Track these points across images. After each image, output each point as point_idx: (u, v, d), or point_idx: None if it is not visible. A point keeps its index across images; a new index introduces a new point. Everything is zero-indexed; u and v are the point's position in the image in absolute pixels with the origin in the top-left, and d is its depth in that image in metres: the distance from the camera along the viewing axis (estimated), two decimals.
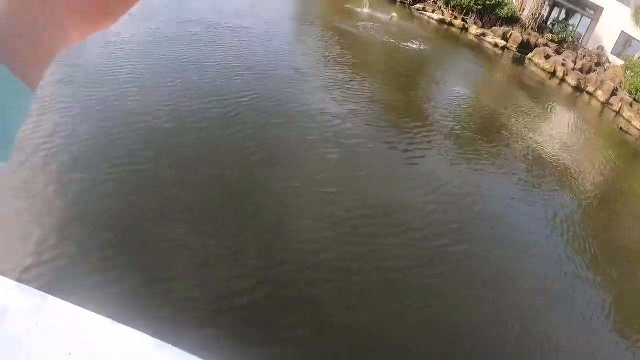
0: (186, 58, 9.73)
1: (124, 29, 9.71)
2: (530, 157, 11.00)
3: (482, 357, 5.13)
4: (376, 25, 21.78)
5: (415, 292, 5.56)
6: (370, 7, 27.41)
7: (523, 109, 15.38)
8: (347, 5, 25.52)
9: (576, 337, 5.93)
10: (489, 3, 27.49)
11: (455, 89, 15.03)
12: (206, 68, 9.48)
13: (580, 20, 31.11)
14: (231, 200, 5.96)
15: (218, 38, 11.79)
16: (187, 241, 5.14)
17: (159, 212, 5.49)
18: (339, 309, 5.01)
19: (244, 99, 8.44)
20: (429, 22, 27.94)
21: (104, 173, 5.74)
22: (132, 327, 1.85)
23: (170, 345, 1.82)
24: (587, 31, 30.30)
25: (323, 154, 7.57)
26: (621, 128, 18.73)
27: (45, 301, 1.89)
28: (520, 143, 11.71)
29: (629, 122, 19.61)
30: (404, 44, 18.95)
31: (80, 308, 1.86)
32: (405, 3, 31.89)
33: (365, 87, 11.71)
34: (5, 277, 1.91)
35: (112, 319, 1.85)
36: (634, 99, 20.82)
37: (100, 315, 1.86)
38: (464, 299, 5.69)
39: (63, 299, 1.87)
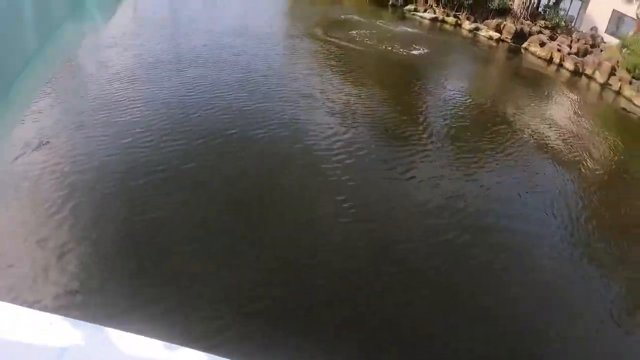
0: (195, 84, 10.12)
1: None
2: (535, 146, 11.24)
3: None
4: (370, 32, 22.01)
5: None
6: (361, 13, 27.78)
7: (524, 98, 15.65)
8: (342, 16, 25.86)
9: None
10: None
11: (455, 88, 15.30)
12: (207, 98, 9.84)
13: (571, 3, 31.31)
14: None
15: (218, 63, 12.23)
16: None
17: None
18: None
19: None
20: (421, 22, 28.22)
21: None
22: (191, 348, 1.92)
23: None
24: (578, 13, 30.47)
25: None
26: (623, 108, 18.85)
27: (103, 334, 1.96)
28: (524, 133, 11.94)
29: (630, 100, 19.62)
30: (401, 49, 19.11)
31: (137, 335, 1.94)
32: (396, 5, 32.26)
33: (367, 99, 12.02)
34: (60, 315, 1.97)
35: (169, 342, 1.92)
36: (633, 77, 20.83)
37: (158, 340, 1.93)
38: None
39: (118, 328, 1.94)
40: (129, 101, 9.01)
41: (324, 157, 8.21)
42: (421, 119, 11.43)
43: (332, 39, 18.74)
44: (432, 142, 9.90)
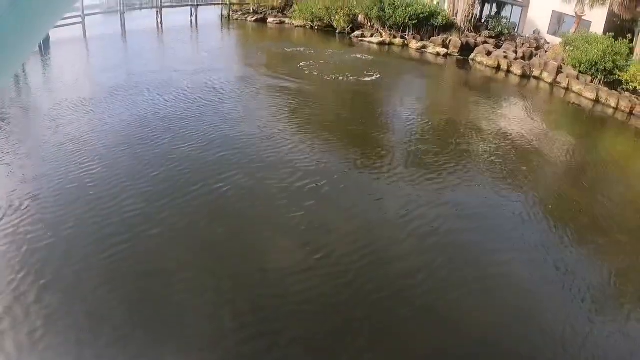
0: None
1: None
2: (494, 155, 11.33)
3: None
4: (320, 63, 22.28)
5: None
6: (309, 44, 28.20)
7: (477, 108, 15.96)
8: (290, 49, 26.17)
9: None
10: (423, 15, 28.48)
11: (411, 109, 15.60)
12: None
13: (512, 10, 32.24)
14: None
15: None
16: None
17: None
18: None
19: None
20: (370, 47, 28.76)
21: None
22: None
23: None
24: (520, 19, 31.35)
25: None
26: (574, 103, 19.33)
27: None
28: (482, 143, 12.06)
29: (579, 94, 20.24)
30: (352, 77, 19.32)
31: None
32: (343, 33, 32.90)
33: (321, 130, 12.07)
34: None
35: None
36: (579, 71, 21.43)
37: None
38: None
39: None
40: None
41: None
42: (382, 146, 11.44)
43: (283, 77, 18.83)
44: (397, 168, 9.92)
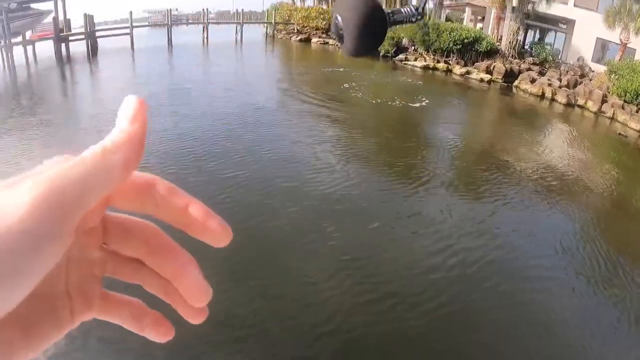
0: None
1: None
2: (538, 184, 11.50)
3: None
4: (362, 84, 22.61)
5: None
6: (354, 66, 28.79)
7: (521, 137, 15.84)
8: (330, 69, 26.84)
9: None
10: (467, 41, 28.89)
11: (452, 135, 15.32)
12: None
13: (555, 36, 32.44)
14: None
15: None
16: None
17: None
18: None
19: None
20: (413, 71, 29.22)
21: None
22: None
23: None
24: (564, 46, 31.54)
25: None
26: (619, 133, 18.99)
27: None
28: (525, 172, 12.17)
29: (624, 124, 20.00)
30: (397, 101, 19.26)
31: None
32: (387, 56, 33.52)
33: (365, 153, 12.24)
34: None
35: None
36: (625, 101, 21.28)
37: None
38: None
39: None
40: None
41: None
42: (431, 172, 11.60)
43: (327, 98, 18.83)
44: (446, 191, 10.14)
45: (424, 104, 19.48)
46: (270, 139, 12.26)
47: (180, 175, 9.13)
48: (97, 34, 40.27)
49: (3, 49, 30.14)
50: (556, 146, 15.88)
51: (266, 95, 18.51)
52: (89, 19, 38.20)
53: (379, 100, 19.13)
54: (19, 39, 33.17)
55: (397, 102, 18.99)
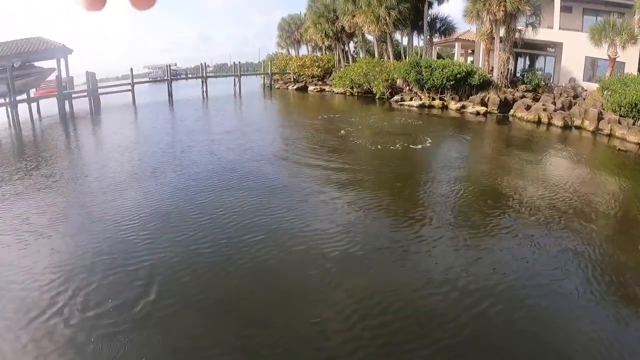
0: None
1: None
2: (542, 210, 11.07)
3: None
4: (361, 129, 22.87)
5: None
6: (352, 111, 29.26)
7: (521, 165, 16.03)
8: (328, 116, 27.05)
9: None
10: (460, 75, 29.58)
11: (453, 172, 15.15)
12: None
13: (545, 61, 33.14)
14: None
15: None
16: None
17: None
18: None
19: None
20: (410, 110, 29.72)
21: None
22: None
23: None
24: (554, 69, 32.20)
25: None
26: (619, 149, 18.99)
27: None
28: (529, 199, 11.87)
29: (623, 139, 20.18)
30: (398, 144, 18.88)
31: None
32: (383, 98, 34.25)
33: (364, 197, 12.13)
34: None
35: None
36: (620, 115, 21.58)
37: None
38: None
39: None
40: None
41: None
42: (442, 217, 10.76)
43: (325, 146, 18.75)
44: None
45: (427, 144, 19.40)
46: (272, 196, 11.97)
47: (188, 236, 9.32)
48: (100, 90, 41.53)
49: (8, 107, 31.20)
50: (560, 171, 15.63)
51: (266, 151, 18.14)
52: (90, 76, 39.45)
53: (379, 147, 18.76)
54: (24, 96, 34.24)
55: (398, 146, 18.80)
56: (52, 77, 36.99)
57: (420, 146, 18.93)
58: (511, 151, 19.08)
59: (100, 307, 6.62)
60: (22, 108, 31.57)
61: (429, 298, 7.14)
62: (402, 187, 13.64)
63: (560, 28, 31.80)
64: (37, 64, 36.89)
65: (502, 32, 29.61)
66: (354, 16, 39.99)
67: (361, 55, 49.31)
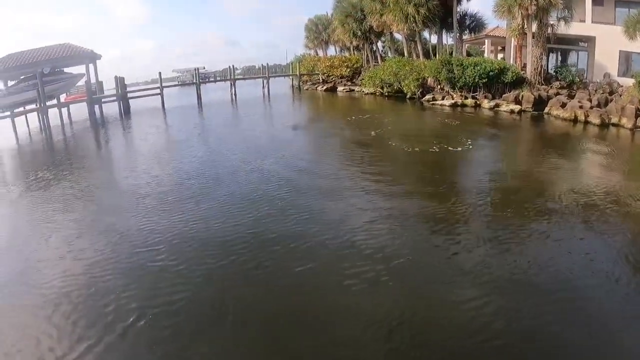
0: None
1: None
2: (584, 210, 10.79)
3: None
4: (393, 130, 22.57)
5: None
6: (382, 111, 29.30)
7: (559, 165, 15.52)
8: (359, 117, 26.88)
9: None
10: (492, 73, 29.40)
11: (490, 174, 14.59)
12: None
13: (578, 56, 32.76)
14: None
15: None
16: None
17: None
18: None
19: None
20: (442, 110, 29.56)
21: None
22: None
23: None
24: (587, 65, 31.80)
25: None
26: None
27: None
28: (569, 200, 11.51)
29: None
30: (435, 146, 18.14)
31: None
32: (414, 98, 34.20)
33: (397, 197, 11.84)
34: None
35: None
36: None
37: None
38: None
39: None
40: None
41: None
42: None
43: (358, 147, 18.69)
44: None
45: (467, 146, 18.45)
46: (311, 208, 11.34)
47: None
48: (129, 95, 42.33)
49: (39, 112, 32.14)
50: (595, 168, 15.51)
51: (299, 156, 17.69)
52: (120, 81, 40.28)
53: (416, 149, 17.98)
54: (54, 101, 35.20)
55: (436, 148, 17.94)
56: (82, 82, 38.06)
57: (459, 148, 17.97)
58: (560, 153, 17.68)
59: None
60: (53, 113, 32.45)
61: None
62: (454, 196, 12.08)
63: (592, 21, 31.41)
64: (66, 69, 37.88)
65: (534, 27, 29.26)
66: (382, 15, 39.97)
67: (389, 55, 49.32)
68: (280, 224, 10.31)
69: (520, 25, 29.69)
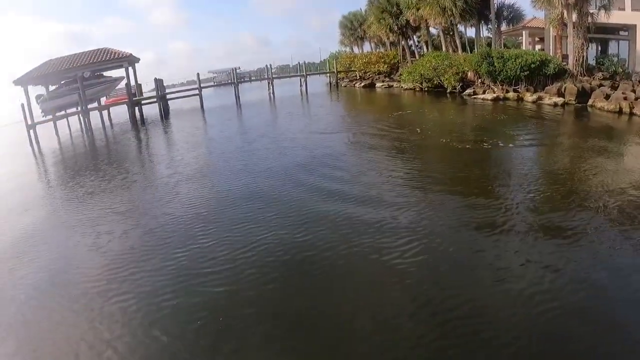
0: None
1: None
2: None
3: None
4: (438, 126, 22.77)
5: None
6: (423, 107, 29.62)
7: (607, 160, 14.74)
8: (399, 113, 27.41)
9: None
10: (534, 65, 29.56)
11: (539, 172, 14.06)
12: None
13: (619, 45, 32.64)
14: None
15: None
16: None
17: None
18: None
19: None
20: (483, 104, 29.78)
21: None
22: None
23: None
24: (629, 54, 31.61)
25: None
26: None
27: None
28: (618, 194, 11.20)
29: None
30: (484, 144, 17.86)
31: None
32: (454, 92, 34.66)
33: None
34: None
35: None
36: None
37: None
38: None
39: None
40: None
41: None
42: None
43: (403, 145, 18.41)
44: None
45: (522, 142, 17.78)
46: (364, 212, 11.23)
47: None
48: (168, 96, 43.80)
49: (80, 115, 33.78)
50: None
51: (345, 154, 17.97)
52: (159, 82, 41.75)
53: (467, 146, 17.46)
54: (95, 104, 36.84)
55: (488, 145, 17.51)
56: (122, 85, 39.64)
57: (511, 145, 17.38)
58: (587, 145, 16.98)
59: None
60: (94, 115, 33.89)
61: None
62: (545, 202, 11.14)
63: (633, 9, 31.09)
64: (106, 73, 39.51)
65: (574, 16, 29.09)
66: (418, 9, 40.50)
67: (424, 49, 49.70)
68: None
69: (560, 15, 29.79)
